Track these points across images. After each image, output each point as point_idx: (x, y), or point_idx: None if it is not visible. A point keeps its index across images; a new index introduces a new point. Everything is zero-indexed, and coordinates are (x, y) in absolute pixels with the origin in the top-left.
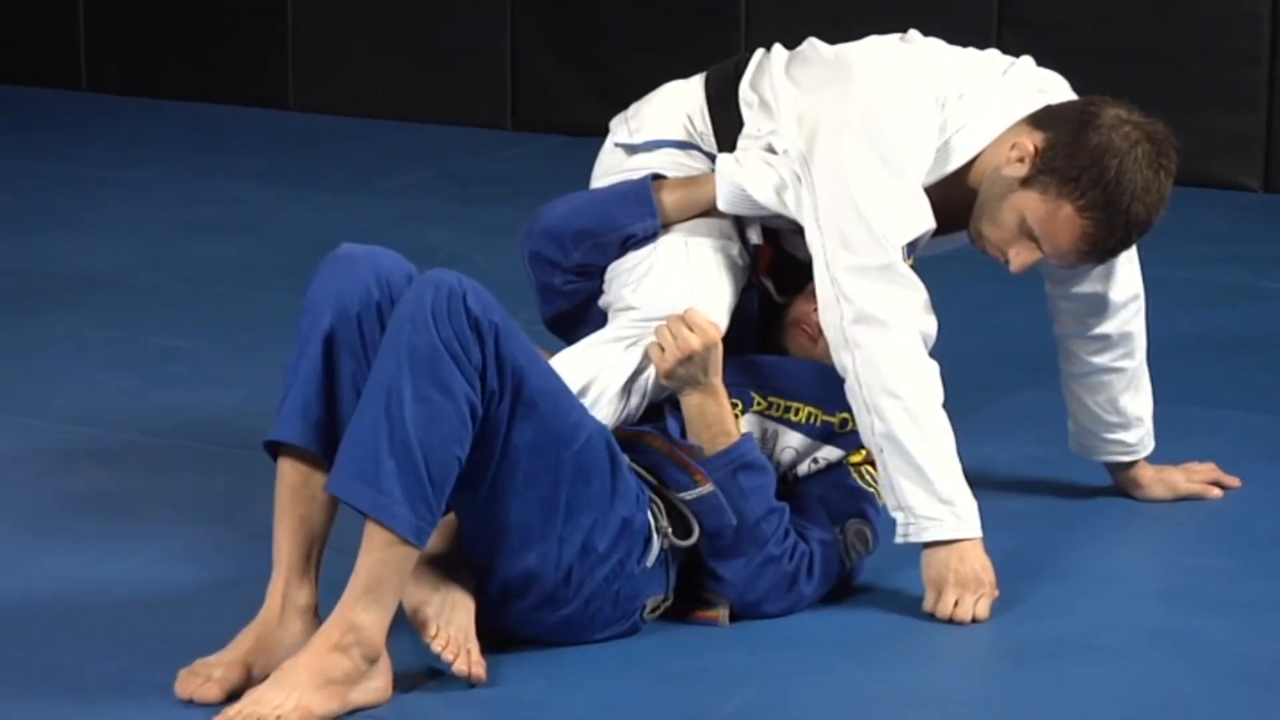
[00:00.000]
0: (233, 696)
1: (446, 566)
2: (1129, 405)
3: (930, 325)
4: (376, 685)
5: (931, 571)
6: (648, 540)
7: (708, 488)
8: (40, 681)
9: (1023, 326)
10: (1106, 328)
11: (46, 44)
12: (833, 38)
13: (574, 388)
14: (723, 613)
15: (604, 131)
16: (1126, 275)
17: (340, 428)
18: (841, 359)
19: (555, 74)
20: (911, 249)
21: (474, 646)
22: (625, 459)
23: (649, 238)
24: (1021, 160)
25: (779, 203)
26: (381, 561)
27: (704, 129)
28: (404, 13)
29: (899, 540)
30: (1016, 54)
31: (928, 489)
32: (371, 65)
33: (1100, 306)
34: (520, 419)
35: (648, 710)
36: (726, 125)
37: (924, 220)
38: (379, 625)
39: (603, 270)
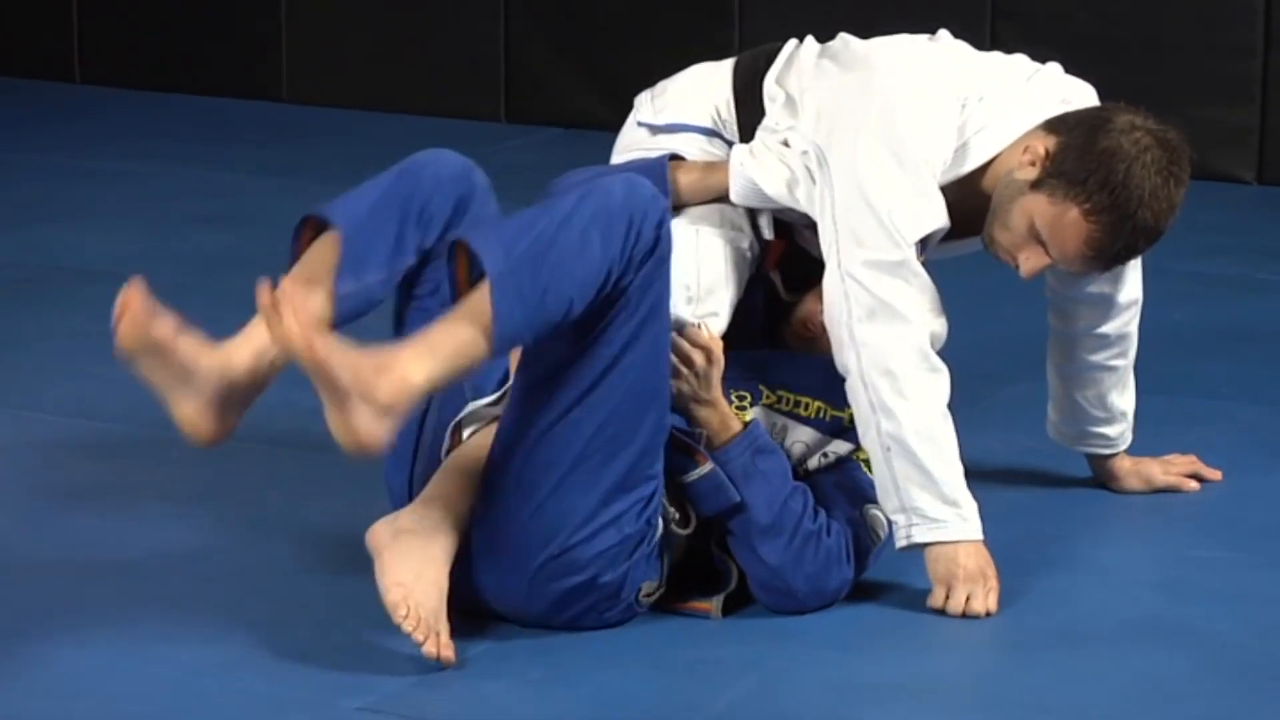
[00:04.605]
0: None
1: (425, 548)
2: (1116, 401)
3: (941, 326)
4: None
5: (939, 568)
6: (653, 528)
7: (708, 467)
8: (31, 672)
9: (1020, 319)
10: (1107, 328)
11: (39, 36)
12: (826, 29)
13: None
14: (716, 604)
15: (597, 123)
16: (1132, 279)
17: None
18: (844, 359)
19: (549, 66)
20: (923, 247)
21: (444, 629)
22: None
23: None
24: (1033, 164)
25: (790, 197)
26: (457, 335)
27: (729, 118)
28: (398, 4)
29: (901, 543)
30: (1008, 45)
31: (934, 491)
32: (366, 57)
33: (1104, 308)
34: (636, 345)
35: (645, 702)
36: (750, 117)
37: (937, 217)
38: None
39: None
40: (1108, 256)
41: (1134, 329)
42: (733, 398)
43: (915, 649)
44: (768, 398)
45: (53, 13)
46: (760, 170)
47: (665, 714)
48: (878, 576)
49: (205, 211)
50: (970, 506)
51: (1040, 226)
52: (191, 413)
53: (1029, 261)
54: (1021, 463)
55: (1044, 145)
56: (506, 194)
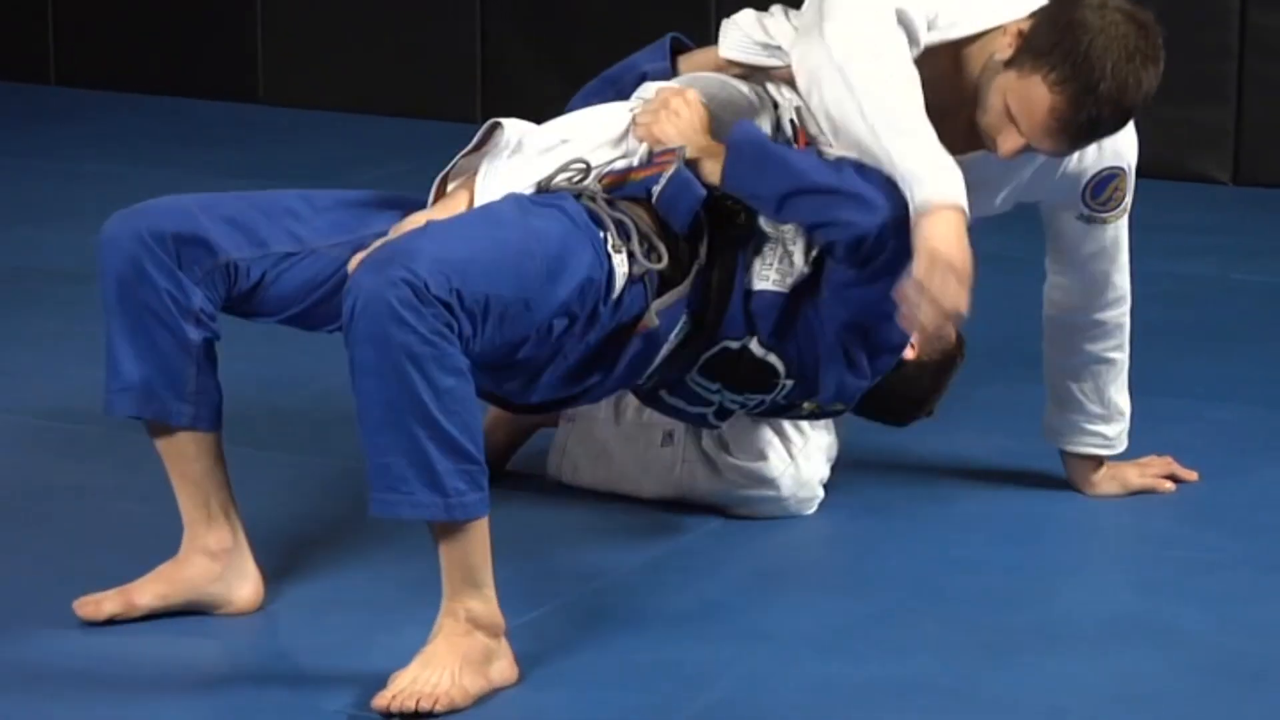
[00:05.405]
0: (111, 621)
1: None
2: (1115, 397)
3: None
4: (504, 664)
5: (936, 232)
6: (610, 277)
7: (671, 168)
8: (15, 676)
9: (996, 321)
10: (1103, 315)
11: (14, 38)
12: None
13: (576, 133)
14: (679, 156)
15: None
16: (1125, 263)
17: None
18: (815, 60)
19: (526, 67)
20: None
21: None
22: (579, 219)
23: (660, 78)
24: (1010, 45)
25: (768, 39)
26: (467, 550)
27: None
28: (373, 5)
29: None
30: None
31: (927, 154)
32: (341, 58)
33: (1102, 286)
34: (491, 318)
35: (621, 704)
36: None
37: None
38: (489, 601)
39: None
40: (1072, 130)
41: (1127, 323)
42: None
43: (892, 649)
44: None
45: (27, 15)
46: (744, 21)
47: (643, 716)
48: (853, 574)
49: None
50: (959, 175)
51: (1010, 102)
52: (239, 601)
53: (1006, 142)
54: (999, 463)
55: (1020, 26)
56: None
